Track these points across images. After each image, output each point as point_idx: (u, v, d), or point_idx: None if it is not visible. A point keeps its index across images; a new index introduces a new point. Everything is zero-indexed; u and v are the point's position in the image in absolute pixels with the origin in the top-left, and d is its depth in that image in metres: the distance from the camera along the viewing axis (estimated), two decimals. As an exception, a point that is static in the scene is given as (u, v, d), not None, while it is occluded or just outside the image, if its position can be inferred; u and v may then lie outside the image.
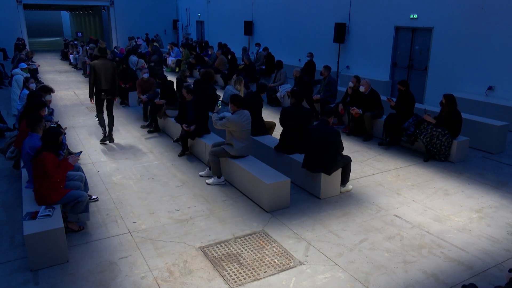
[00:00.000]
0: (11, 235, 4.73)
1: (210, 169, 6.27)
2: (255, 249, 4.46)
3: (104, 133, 8.02)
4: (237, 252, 4.39)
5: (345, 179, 5.89)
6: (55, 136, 4.58)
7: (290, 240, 4.66)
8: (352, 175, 6.12)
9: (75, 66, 19.08)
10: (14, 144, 6.08)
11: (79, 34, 27.38)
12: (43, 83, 12.30)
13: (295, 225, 4.98)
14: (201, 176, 6.43)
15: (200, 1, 23.23)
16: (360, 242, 4.63)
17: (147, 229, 4.86)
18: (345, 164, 5.80)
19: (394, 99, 8.05)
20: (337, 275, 4.04)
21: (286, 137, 6.35)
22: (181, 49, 17.12)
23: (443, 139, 6.99)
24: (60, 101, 11.88)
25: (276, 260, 4.26)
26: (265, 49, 14.90)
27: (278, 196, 5.36)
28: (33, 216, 4.23)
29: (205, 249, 4.46)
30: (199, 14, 23.81)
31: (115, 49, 17.61)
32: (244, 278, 3.96)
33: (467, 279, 3.96)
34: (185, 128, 7.14)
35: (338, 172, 5.77)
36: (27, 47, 20.22)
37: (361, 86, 8.32)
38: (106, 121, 8.02)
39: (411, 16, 11.20)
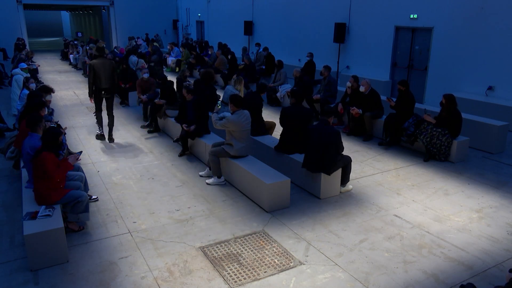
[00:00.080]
0: (11, 235, 4.73)
1: (210, 169, 6.27)
2: (255, 249, 4.46)
3: (101, 131, 8.17)
4: (237, 252, 4.39)
5: (345, 179, 5.89)
6: (55, 136, 4.58)
7: (290, 240, 4.66)
8: (352, 175, 6.12)
9: (75, 66, 19.08)
10: (14, 144, 6.08)
11: (79, 34, 27.38)
12: (43, 83, 12.29)
13: (295, 225, 4.98)
14: (201, 176, 6.43)
15: (200, 1, 23.23)
16: (360, 242, 4.63)
17: (147, 229, 4.86)
18: (345, 164, 5.80)
19: (394, 99, 8.05)
20: (337, 275, 4.04)
21: (286, 137, 6.35)
22: (181, 49, 17.12)
23: (443, 139, 6.99)
24: (60, 101, 11.88)
25: (276, 260, 4.26)
26: (265, 49, 14.90)
27: (278, 196, 5.36)
28: (33, 216, 4.23)
29: (205, 249, 4.46)
30: (199, 14, 23.81)
31: (115, 49, 17.61)
32: (244, 278, 3.97)
33: (467, 279, 3.96)
34: (185, 128, 7.14)
35: (338, 172, 5.77)
36: (27, 47, 20.21)
37: (361, 86, 8.32)
38: (106, 120, 8.04)
39: (411, 16, 11.20)
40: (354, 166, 6.37)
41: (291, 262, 4.23)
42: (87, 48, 17.34)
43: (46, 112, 6.29)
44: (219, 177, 6.13)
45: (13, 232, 4.79)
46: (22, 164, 5.58)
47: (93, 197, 5.60)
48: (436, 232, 4.84)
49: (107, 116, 7.98)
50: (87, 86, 7.86)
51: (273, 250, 4.45)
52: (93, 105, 7.99)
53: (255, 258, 4.29)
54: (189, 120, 7.23)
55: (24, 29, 22.26)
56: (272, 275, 4.02)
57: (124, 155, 7.41)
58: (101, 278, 3.96)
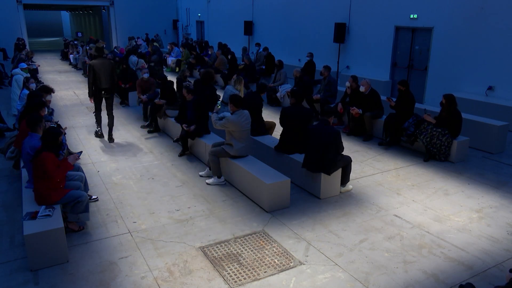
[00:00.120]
0: (11, 235, 4.73)
1: (210, 169, 6.27)
2: (255, 249, 4.46)
3: (99, 130, 8.29)
4: (237, 252, 4.39)
5: (345, 179, 5.89)
6: (55, 136, 4.57)
7: (290, 240, 4.66)
8: (352, 175, 6.12)
9: (75, 66, 19.08)
10: (14, 144, 6.09)
11: (79, 34, 27.39)
12: (43, 83, 12.29)
13: (295, 225, 4.98)
14: (201, 176, 6.43)
15: (200, 1, 23.23)
16: (360, 242, 4.63)
17: (147, 229, 4.86)
18: (345, 164, 5.80)
19: (394, 99, 8.05)
20: (337, 275, 4.04)
21: (286, 137, 6.35)
22: (181, 49, 17.12)
23: (443, 139, 6.99)
24: (60, 101, 11.88)
25: (276, 260, 4.26)
26: (265, 49, 14.90)
27: (278, 196, 5.36)
28: (33, 216, 4.23)
29: (205, 249, 4.46)
30: (199, 14, 23.81)
31: (115, 49, 17.62)
32: (244, 278, 3.97)
33: (467, 279, 3.96)
34: (185, 128, 7.14)
35: (338, 172, 5.77)
36: (27, 47, 20.21)
37: (361, 86, 8.32)
38: (106, 120, 8.04)
39: (411, 16, 11.20)
40: (354, 166, 6.37)
41: (291, 262, 4.23)
42: (87, 48, 17.34)
43: (46, 112, 6.29)
44: (219, 177, 6.13)
45: (13, 232, 4.79)
46: (22, 164, 5.58)
47: (93, 197, 5.60)
48: (436, 232, 4.84)
49: (107, 116, 7.99)
50: (87, 86, 7.87)
51: (273, 250, 4.45)
52: (93, 105, 8.00)
53: (255, 258, 4.29)
54: (189, 120, 7.23)
55: (24, 29, 22.26)
56: (272, 275, 4.02)
57: (124, 155, 7.41)
58: (101, 278, 3.96)
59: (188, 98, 7.35)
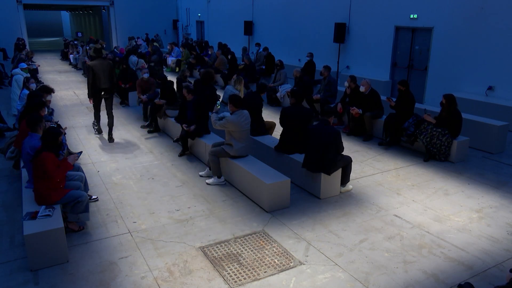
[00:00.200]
0: (11, 235, 4.73)
1: (210, 169, 6.27)
2: (255, 249, 4.46)
3: (98, 129, 8.47)
4: (237, 252, 4.39)
5: (345, 179, 5.89)
6: (55, 136, 4.58)
7: (290, 240, 4.66)
8: (352, 175, 6.12)
9: (75, 66, 19.09)
10: (14, 144, 6.09)
11: (79, 34, 27.40)
12: (43, 83, 12.30)
13: (295, 225, 4.98)
14: (201, 176, 6.43)
15: (200, 1, 23.23)
16: (360, 242, 4.63)
17: (147, 229, 4.86)
18: (345, 164, 5.79)
19: (394, 99, 8.05)
20: (337, 275, 4.04)
21: (286, 137, 6.35)
22: (181, 49, 17.13)
23: (443, 139, 6.99)
24: (60, 101, 11.88)
25: (276, 260, 4.26)
26: (265, 49, 14.90)
27: (278, 196, 5.36)
28: (33, 216, 4.23)
29: (205, 249, 4.46)
30: (199, 14, 23.81)
31: (115, 49, 17.62)
32: (244, 278, 3.96)
33: (467, 279, 3.96)
34: (185, 128, 7.14)
35: (338, 172, 5.77)
36: (27, 47, 20.22)
37: (361, 86, 8.32)
38: (105, 120, 8.05)
39: (411, 16, 11.20)
40: (354, 166, 6.36)
41: (291, 262, 4.23)
42: (87, 48, 17.35)
43: (46, 112, 6.29)
44: (219, 177, 6.13)
45: (13, 232, 4.79)
46: (22, 164, 5.58)
47: (93, 197, 5.60)
48: (436, 232, 4.84)
49: (106, 116, 8.00)
50: (87, 86, 7.89)
51: (273, 250, 4.45)
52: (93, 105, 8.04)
53: (255, 258, 4.29)
54: (189, 120, 7.23)
55: (24, 29, 22.26)
56: (272, 275, 4.02)
57: (124, 155, 7.41)
58: (101, 278, 3.96)
59: (188, 98, 7.35)
